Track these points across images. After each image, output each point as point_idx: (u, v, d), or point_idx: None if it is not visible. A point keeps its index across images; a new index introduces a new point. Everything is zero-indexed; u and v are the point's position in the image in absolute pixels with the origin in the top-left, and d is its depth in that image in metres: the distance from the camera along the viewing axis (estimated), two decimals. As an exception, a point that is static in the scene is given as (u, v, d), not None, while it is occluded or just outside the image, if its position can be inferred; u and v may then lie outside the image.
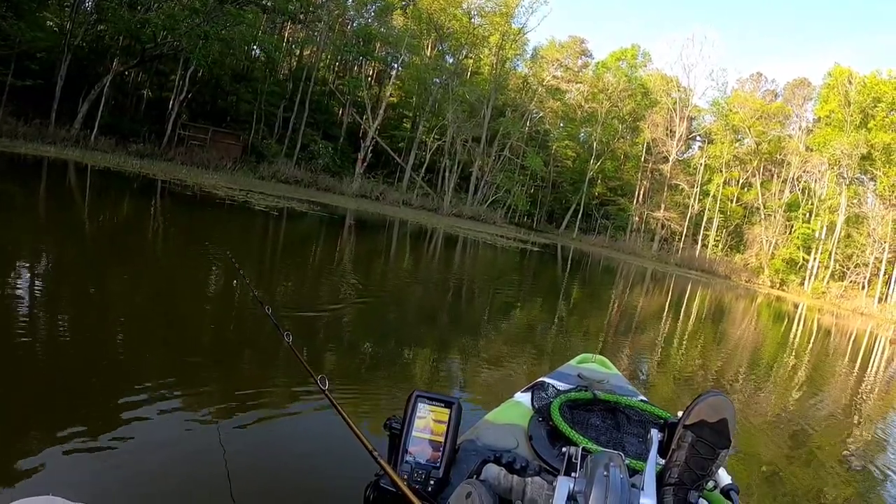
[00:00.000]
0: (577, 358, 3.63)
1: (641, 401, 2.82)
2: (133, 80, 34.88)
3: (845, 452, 6.36)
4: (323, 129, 42.38)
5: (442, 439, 2.00)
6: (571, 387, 2.92)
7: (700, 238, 55.29)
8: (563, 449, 1.75)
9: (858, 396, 10.24)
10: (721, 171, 53.99)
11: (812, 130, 52.10)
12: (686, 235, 55.14)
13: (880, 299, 43.57)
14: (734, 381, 9.00)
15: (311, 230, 17.29)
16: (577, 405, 2.69)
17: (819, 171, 48.61)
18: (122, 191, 16.79)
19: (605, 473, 1.39)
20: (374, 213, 29.10)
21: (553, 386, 2.93)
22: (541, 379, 3.09)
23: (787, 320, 24.29)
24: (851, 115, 45.36)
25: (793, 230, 50.18)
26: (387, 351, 6.11)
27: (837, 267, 47.00)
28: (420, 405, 2.03)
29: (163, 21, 27.18)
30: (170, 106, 32.12)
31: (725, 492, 1.97)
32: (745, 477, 4.72)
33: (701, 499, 1.79)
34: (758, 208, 53.21)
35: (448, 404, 2.05)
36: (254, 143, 37.01)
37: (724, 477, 2.05)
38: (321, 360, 5.41)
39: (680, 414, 1.88)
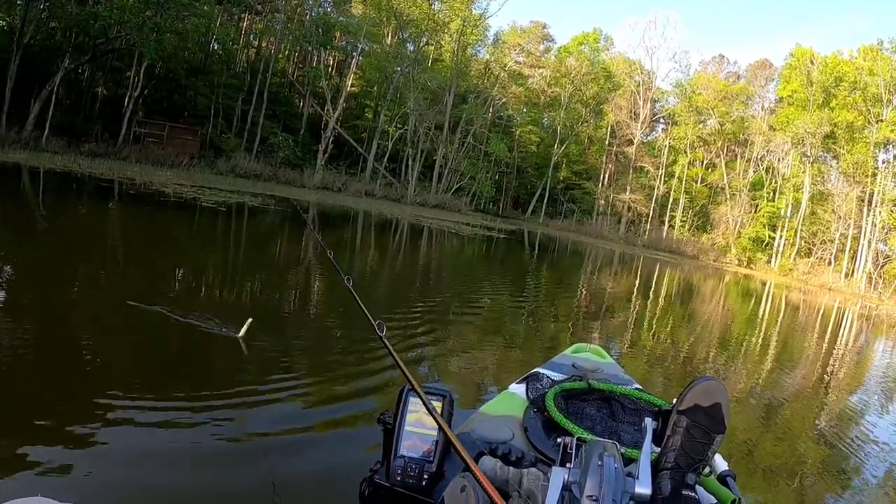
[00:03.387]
0: (572, 348, 3.63)
1: (636, 389, 2.80)
2: (87, 78, 33.88)
3: (820, 424, 6.55)
4: (283, 122, 41.87)
5: (435, 433, 1.95)
6: (566, 377, 2.90)
7: (667, 219, 56.20)
8: (559, 439, 1.74)
9: (830, 369, 10.58)
10: (685, 153, 54.76)
11: (775, 111, 53.36)
12: (653, 217, 55.90)
13: (847, 275, 44.84)
14: (709, 360, 9.13)
15: (259, 227, 16.50)
16: (571, 395, 2.68)
17: (782, 151, 49.59)
18: (57, 192, 15.88)
19: (600, 463, 1.37)
20: (335, 205, 28.59)
21: (548, 376, 2.91)
22: (535, 370, 3.08)
23: (756, 298, 24.82)
24: (814, 95, 46.32)
25: (758, 209, 51.38)
26: (366, 350, 5.89)
27: (803, 244, 48.27)
28: (411, 399, 1.98)
29: (112, 14, 26.45)
30: (125, 103, 31.30)
31: (722, 478, 1.93)
32: (723, 451, 4.67)
33: (698, 485, 1.78)
34: (723, 188, 54.12)
35: (440, 396, 1.99)
36: (212, 137, 36.29)
37: (720, 463, 2.02)
38: (276, 359, 5.28)
39: (674, 402, 1.84)
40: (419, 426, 1.96)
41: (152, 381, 4.06)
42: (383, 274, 12.30)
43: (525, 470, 1.80)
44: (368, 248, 16.15)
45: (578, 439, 1.67)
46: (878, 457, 5.57)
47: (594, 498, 1.28)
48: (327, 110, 41.46)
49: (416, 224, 26.68)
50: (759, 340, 12.49)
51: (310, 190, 34.66)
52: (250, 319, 5.35)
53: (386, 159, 44.84)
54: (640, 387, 2.91)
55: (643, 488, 1.41)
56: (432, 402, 1.92)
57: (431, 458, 1.92)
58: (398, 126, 44.95)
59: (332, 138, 40.59)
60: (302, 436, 3.72)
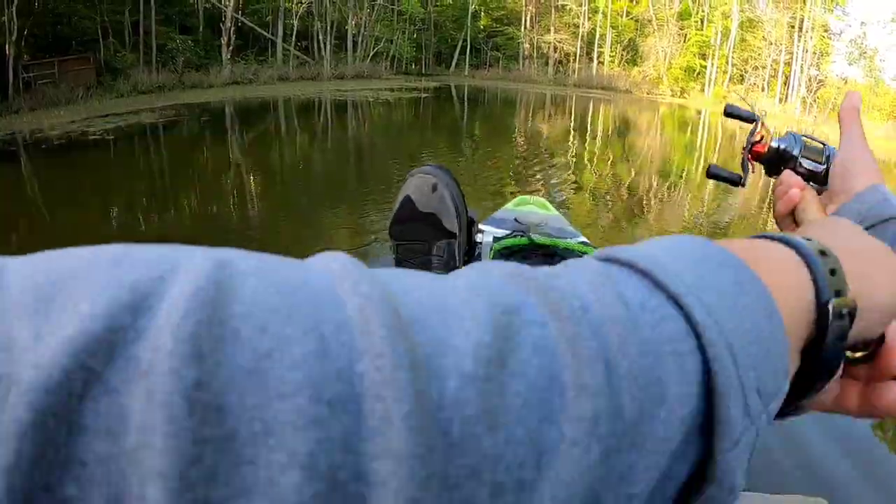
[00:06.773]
0: (514, 201, 3.48)
1: (581, 243, 2.58)
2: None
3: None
4: (177, 24, 40.13)
5: None
6: (507, 232, 2.67)
7: (595, 56, 55.81)
8: None
9: (769, 192, 10.57)
10: (609, -15, 53.96)
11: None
12: (580, 55, 55.52)
13: (781, 100, 45.62)
14: (652, 195, 9.46)
15: (153, 148, 14.89)
16: (512, 252, 2.47)
17: (708, -23, 49.44)
18: None
19: None
20: (250, 97, 26.89)
21: (488, 233, 2.77)
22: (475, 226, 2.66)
23: (692, 127, 24.86)
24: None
25: (687, 38, 51.32)
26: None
27: (735, 71, 48.82)
28: None
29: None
30: (5, 51, 28.94)
31: None
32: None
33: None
34: (650, 20, 53.49)
35: None
36: (107, 60, 34.82)
37: None
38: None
39: None
40: None
41: None
42: (313, 159, 12.04)
43: None
44: (294, 135, 15.40)
45: None
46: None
47: None
48: (223, 0, 39.52)
49: (338, 100, 25.44)
50: (700, 168, 12.47)
51: (219, 88, 33.73)
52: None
53: (294, 38, 43.73)
54: (586, 240, 2.77)
55: None
56: None
57: None
58: (300, 1, 43.02)
59: (233, 29, 39.21)
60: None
